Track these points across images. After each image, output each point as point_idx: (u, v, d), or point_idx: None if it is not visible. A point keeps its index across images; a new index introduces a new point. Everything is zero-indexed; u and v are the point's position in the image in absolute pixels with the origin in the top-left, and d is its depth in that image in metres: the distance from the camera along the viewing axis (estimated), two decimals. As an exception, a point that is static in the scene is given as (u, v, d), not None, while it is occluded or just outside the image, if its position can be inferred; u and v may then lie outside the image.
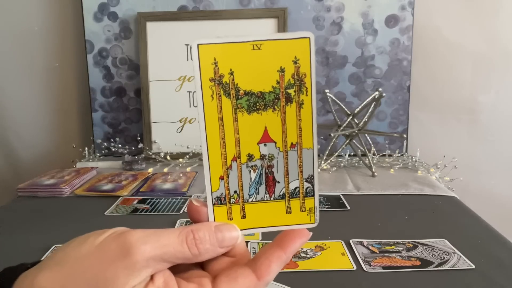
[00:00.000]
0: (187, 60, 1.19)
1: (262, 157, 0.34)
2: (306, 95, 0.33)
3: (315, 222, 0.35)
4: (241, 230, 0.33)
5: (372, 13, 1.20)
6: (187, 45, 1.19)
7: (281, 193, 0.34)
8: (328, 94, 1.10)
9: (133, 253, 0.28)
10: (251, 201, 0.34)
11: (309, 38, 0.32)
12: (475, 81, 1.26)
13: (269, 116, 0.33)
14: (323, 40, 1.21)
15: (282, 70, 0.33)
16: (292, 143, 0.34)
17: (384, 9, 1.19)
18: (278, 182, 0.34)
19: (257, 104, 0.33)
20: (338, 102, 1.10)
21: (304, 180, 0.34)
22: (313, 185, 0.34)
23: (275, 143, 0.34)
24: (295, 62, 0.33)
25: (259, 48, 0.32)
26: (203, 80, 0.32)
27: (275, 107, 0.33)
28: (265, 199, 0.34)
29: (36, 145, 1.34)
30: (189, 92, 1.20)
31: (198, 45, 0.32)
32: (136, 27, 1.21)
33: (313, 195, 0.35)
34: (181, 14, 1.20)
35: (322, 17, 1.21)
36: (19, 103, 1.32)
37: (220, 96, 0.33)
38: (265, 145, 0.34)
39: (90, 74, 1.25)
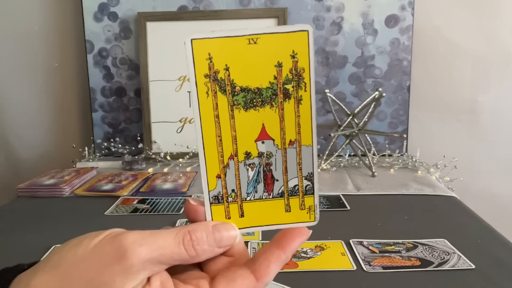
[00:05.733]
0: (187, 60, 1.19)
1: (260, 155, 0.33)
2: (305, 90, 0.32)
3: (315, 220, 0.34)
4: (239, 229, 0.33)
5: (372, 13, 1.19)
6: (185, 42, 1.18)
7: (280, 191, 0.34)
8: (328, 94, 1.10)
9: (129, 256, 0.27)
10: (250, 200, 0.34)
11: (307, 31, 0.31)
12: (475, 81, 1.26)
13: (267, 112, 0.32)
14: (323, 40, 1.21)
15: (279, 65, 0.32)
16: (290, 140, 0.33)
17: (384, 9, 1.19)
18: (277, 180, 0.34)
19: (254, 100, 0.32)
20: (338, 102, 1.10)
21: (303, 177, 0.34)
22: (312, 183, 0.34)
23: (273, 140, 0.33)
24: (293, 57, 0.31)
25: (255, 42, 0.31)
26: (197, 76, 0.31)
27: (273, 103, 0.32)
28: (263, 198, 0.34)
29: (36, 145, 1.34)
30: (189, 92, 1.19)
31: (191, 40, 0.31)
32: (136, 27, 1.21)
33: (312, 193, 0.34)
34: (181, 14, 1.20)
35: (322, 17, 1.20)
36: (19, 103, 1.32)
37: (216, 92, 0.32)
38: (263, 142, 0.33)
39: (90, 74, 1.25)
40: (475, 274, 0.57)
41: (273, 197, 0.34)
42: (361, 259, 0.61)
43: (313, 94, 0.32)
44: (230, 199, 0.33)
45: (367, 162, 1.07)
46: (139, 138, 1.22)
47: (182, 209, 0.82)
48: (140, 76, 1.21)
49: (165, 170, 1.10)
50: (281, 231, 0.33)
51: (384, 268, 0.58)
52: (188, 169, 1.11)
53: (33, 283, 0.28)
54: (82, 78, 1.29)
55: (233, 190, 0.33)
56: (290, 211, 0.34)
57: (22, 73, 1.31)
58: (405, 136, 1.20)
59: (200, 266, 0.33)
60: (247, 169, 0.33)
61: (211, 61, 0.31)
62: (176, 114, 1.21)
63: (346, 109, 1.09)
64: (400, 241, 0.67)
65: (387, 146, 1.23)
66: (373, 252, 0.63)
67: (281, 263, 0.31)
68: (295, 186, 0.34)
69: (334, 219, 0.77)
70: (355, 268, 0.59)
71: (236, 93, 0.32)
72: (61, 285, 0.28)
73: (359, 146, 1.11)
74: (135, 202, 0.86)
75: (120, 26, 1.23)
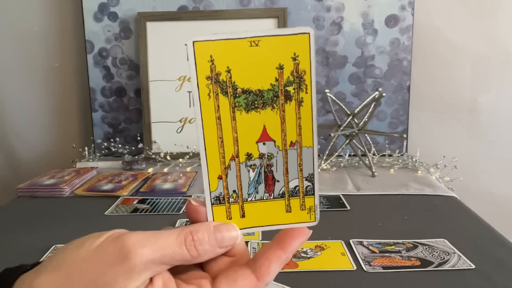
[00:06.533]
0: (187, 60, 1.19)
1: (261, 156, 0.33)
2: (306, 92, 0.32)
3: (315, 221, 0.34)
4: (240, 229, 0.33)
5: (372, 13, 1.19)
6: (187, 45, 1.19)
7: (281, 192, 0.34)
8: (328, 94, 1.10)
9: (131, 256, 0.28)
10: (251, 200, 0.34)
11: (308, 33, 0.31)
12: (475, 81, 1.26)
13: (268, 114, 0.33)
14: (323, 40, 1.21)
15: (281, 67, 0.32)
16: (291, 142, 0.33)
17: (384, 9, 1.19)
18: (278, 181, 0.34)
19: (256, 102, 0.32)
20: (338, 102, 1.10)
21: (304, 178, 0.34)
22: (313, 184, 0.34)
23: (274, 141, 0.33)
24: (294, 59, 0.32)
25: (256, 45, 0.31)
26: (199, 78, 0.32)
27: (274, 105, 0.32)
28: (264, 198, 0.34)
29: (36, 145, 1.34)
30: (189, 92, 1.20)
31: (193, 42, 0.31)
32: (136, 27, 1.21)
33: (313, 194, 0.34)
34: (181, 14, 1.20)
35: (322, 17, 1.20)
36: (19, 103, 1.32)
37: (217, 94, 0.32)
38: (264, 144, 0.33)
39: (90, 74, 1.25)
40: (475, 274, 0.57)
41: (274, 198, 0.34)
42: (361, 259, 0.61)
43: (314, 96, 0.32)
44: (231, 199, 0.34)
45: (367, 162, 1.07)
46: (139, 138, 1.22)
47: (182, 209, 0.82)
48: (140, 76, 1.21)
49: (165, 170, 1.11)
50: (281, 231, 0.33)
51: (384, 268, 0.58)
52: (188, 169, 1.11)
53: (36, 283, 0.28)
54: (82, 78, 1.29)
55: (234, 191, 0.34)
56: (290, 212, 0.34)
57: (22, 73, 1.30)
58: (405, 136, 1.20)
59: (201, 266, 0.33)
60: (248, 170, 0.33)
61: (213, 63, 0.32)
62: (176, 114, 1.21)
63: (346, 109, 1.09)
64: (400, 241, 0.67)
65: (387, 146, 1.23)
66: (373, 252, 0.63)
67: (282, 263, 0.31)
68: (295, 187, 0.34)
69: (334, 219, 0.77)
70: (355, 268, 0.59)
71: (237, 95, 0.32)
72: (64, 286, 0.28)
73: (359, 146, 1.11)
74: (135, 202, 0.86)
75: (120, 26, 1.23)
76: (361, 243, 0.66)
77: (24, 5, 1.26)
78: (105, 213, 0.81)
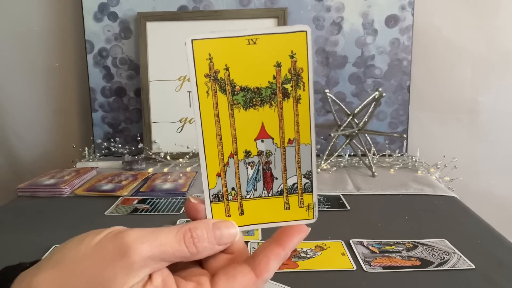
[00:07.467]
0: (187, 58, 1.19)
1: (260, 153, 0.33)
2: (304, 90, 0.33)
3: (313, 218, 0.35)
4: (239, 226, 0.33)
5: (372, 13, 1.20)
6: (185, 43, 1.19)
7: (279, 189, 0.34)
8: (328, 94, 1.10)
9: (131, 253, 0.28)
10: (249, 198, 0.34)
11: (305, 31, 0.32)
12: (475, 81, 1.26)
13: (266, 112, 0.33)
14: (323, 40, 1.21)
15: (278, 65, 0.32)
16: (289, 139, 0.33)
17: (384, 9, 1.19)
18: (276, 179, 0.34)
19: (254, 99, 0.32)
20: (338, 102, 1.10)
21: (302, 176, 0.34)
22: (311, 181, 0.34)
23: (273, 139, 0.33)
24: (292, 57, 0.32)
25: (254, 43, 0.32)
26: (198, 76, 0.32)
27: (272, 102, 0.33)
28: (263, 196, 0.34)
29: (36, 145, 1.34)
30: (189, 92, 1.20)
31: (192, 40, 0.31)
32: (136, 27, 1.21)
33: (311, 191, 0.34)
34: (181, 14, 1.20)
35: (322, 17, 1.21)
36: (19, 103, 1.32)
37: (216, 92, 0.32)
38: (262, 141, 0.33)
39: (90, 74, 1.25)
40: (475, 274, 0.57)
41: (272, 195, 0.34)
42: (361, 259, 0.61)
43: (311, 93, 0.33)
44: (230, 197, 0.34)
45: (367, 162, 1.07)
46: (139, 138, 1.22)
47: (182, 209, 0.82)
48: (140, 76, 1.21)
49: (165, 170, 1.11)
50: (280, 229, 0.33)
51: (384, 268, 0.58)
52: (188, 169, 1.11)
53: (36, 280, 0.28)
54: (82, 78, 1.29)
55: (233, 188, 0.34)
56: (289, 209, 0.34)
57: (22, 73, 1.31)
58: (405, 136, 1.20)
59: (200, 263, 0.33)
60: (247, 168, 0.34)
61: (211, 61, 0.32)
62: (176, 114, 1.21)
63: (346, 109, 1.09)
64: (400, 241, 0.67)
65: (387, 146, 1.23)
66: (373, 252, 0.63)
67: (281, 260, 0.31)
68: (294, 184, 0.34)
69: (334, 219, 0.77)
70: (355, 268, 0.59)
71: (236, 92, 0.32)
72: (64, 282, 0.28)
73: (359, 146, 1.11)
74: (135, 202, 0.86)
75: (120, 26, 1.23)
76: (361, 243, 0.66)
77: (24, 5, 1.26)
78: (105, 213, 0.81)
